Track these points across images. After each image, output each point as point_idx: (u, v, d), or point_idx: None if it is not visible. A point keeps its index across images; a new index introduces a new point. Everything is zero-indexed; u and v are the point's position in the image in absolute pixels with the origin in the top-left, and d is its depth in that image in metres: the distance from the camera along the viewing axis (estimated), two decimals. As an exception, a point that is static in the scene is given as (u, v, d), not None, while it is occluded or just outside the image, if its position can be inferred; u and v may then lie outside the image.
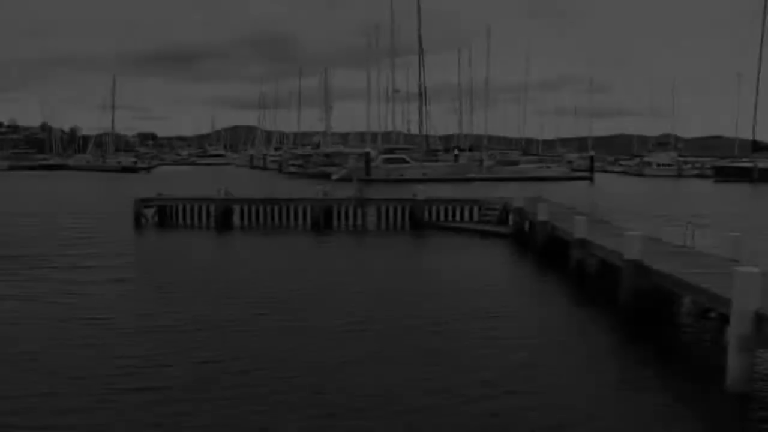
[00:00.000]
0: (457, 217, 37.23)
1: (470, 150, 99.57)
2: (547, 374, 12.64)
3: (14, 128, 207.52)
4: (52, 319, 16.48)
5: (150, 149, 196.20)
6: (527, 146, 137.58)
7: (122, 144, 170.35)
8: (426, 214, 36.97)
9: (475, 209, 37.15)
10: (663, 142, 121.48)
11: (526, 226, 31.41)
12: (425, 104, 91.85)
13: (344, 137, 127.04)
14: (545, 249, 26.16)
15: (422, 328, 15.82)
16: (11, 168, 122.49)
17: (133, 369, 12.85)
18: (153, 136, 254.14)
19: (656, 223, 22.01)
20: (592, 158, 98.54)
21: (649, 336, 15.46)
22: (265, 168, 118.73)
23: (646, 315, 16.34)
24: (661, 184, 77.08)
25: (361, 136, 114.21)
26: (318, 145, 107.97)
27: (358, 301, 18.67)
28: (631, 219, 35.75)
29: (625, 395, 11.79)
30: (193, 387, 11.92)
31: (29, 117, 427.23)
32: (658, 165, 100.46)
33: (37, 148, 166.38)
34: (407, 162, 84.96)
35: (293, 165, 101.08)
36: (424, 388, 11.89)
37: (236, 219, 38.15)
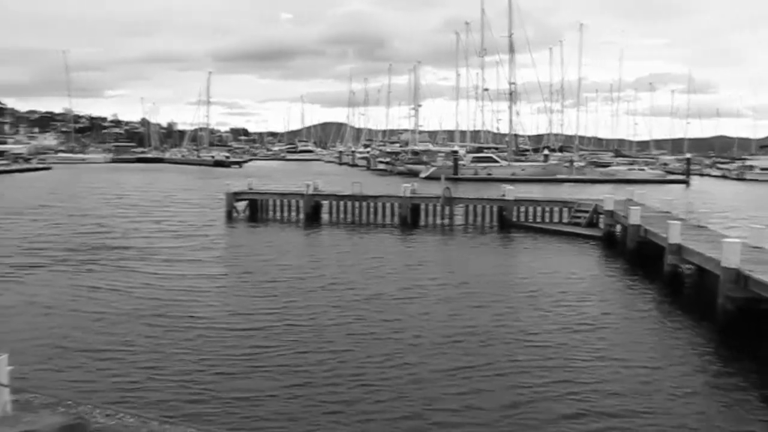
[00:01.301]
0: (546, 219, 36.64)
1: (560, 150, 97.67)
2: (644, 394, 12.15)
3: (117, 123, 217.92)
4: (146, 314, 16.88)
5: (242, 144, 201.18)
6: (620, 147, 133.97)
7: (215, 139, 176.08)
8: (515, 214, 36.59)
9: (565, 211, 36.48)
10: (767, 145, 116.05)
11: (618, 229, 30.66)
12: (515, 103, 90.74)
13: (433, 135, 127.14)
14: (637, 254, 25.44)
15: (513, 338, 15.43)
16: (114, 160, 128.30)
17: (226, 368, 13.05)
18: (245, 132, 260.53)
19: (758, 231, 20.92)
20: (688, 160, 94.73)
21: (749, 351, 14.75)
22: (353, 164, 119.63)
23: (746, 327, 15.68)
24: (764, 190, 73.51)
25: (450, 135, 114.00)
26: (406, 143, 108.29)
27: (448, 306, 18.34)
28: (731, 225, 34.47)
29: (727, 418, 11.32)
30: (285, 393, 11.88)
31: (130, 112, 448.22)
32: (762, 169, 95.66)
33: (137, 142, 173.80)
34: (496, 161, 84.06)
35: (381, 162, 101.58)
36: (521, 410, 11.64)
37: (324, 214, 38.74)
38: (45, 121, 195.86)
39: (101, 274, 21.81)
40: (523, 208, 37.05)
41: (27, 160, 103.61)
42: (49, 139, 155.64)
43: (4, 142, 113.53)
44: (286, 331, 15.60)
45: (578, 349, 14.61)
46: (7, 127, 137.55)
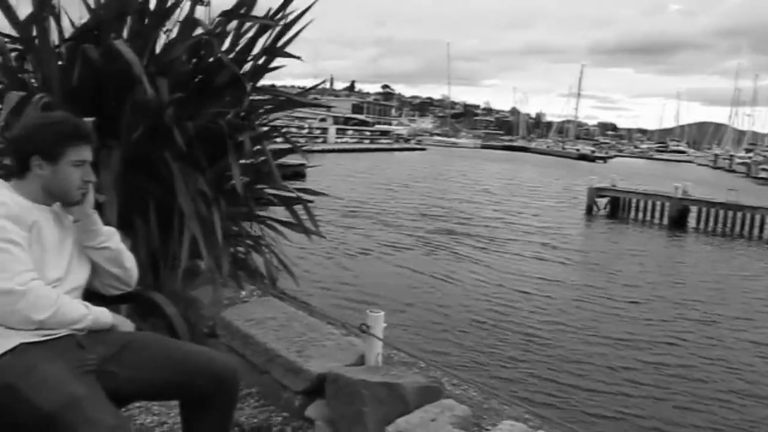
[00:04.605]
0: None
1: None
2: None
3: (488, 111, 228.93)
4: (499, 318, 15.82)
5: (608, 139, 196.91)
6: None
7: (582, 132, 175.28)
8: None
9: None
10: None
11: None
12: None
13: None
14: None
15: None
16: (483, 146, 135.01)
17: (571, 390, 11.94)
18: (613, 127, 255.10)
19: None
20: None
21: None
22: (730, 170, 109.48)
23: None
24: None
25: None
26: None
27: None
28: None
29: None
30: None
31: (501, 102, 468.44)
32: None
33: (505, 130, 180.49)
34: None
35: (764, 170, 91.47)
36: None
37: (691, 221, 35.82)
38: (424, 106, 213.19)
39: (453, 263, 22.08)
40: None
41: (406, 140, 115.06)
42: (426, 123, 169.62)
43: (390, 123, 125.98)
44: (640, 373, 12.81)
45: None
46: (393, 111, 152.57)
